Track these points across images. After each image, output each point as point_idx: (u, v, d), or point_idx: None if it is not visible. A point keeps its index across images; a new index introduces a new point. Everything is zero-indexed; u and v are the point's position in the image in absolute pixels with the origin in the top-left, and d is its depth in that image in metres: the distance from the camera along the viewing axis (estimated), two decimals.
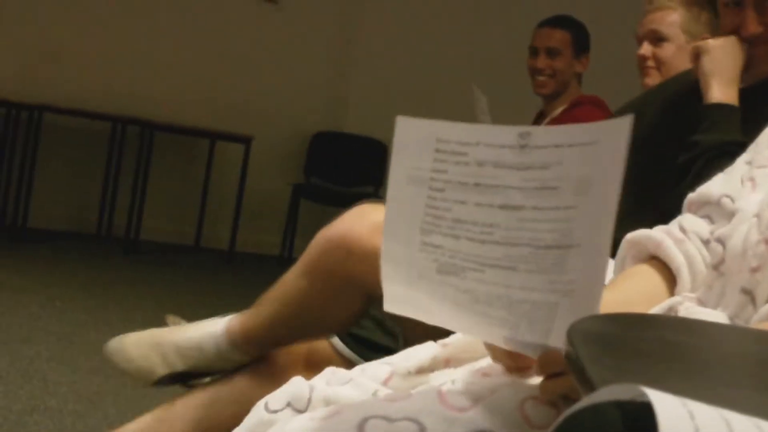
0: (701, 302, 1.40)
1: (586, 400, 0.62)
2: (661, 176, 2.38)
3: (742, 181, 1.50)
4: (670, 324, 1.02)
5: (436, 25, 7.82)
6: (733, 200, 1.48)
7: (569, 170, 1.04)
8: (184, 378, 2.44)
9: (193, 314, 3.46)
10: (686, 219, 1.54)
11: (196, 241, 7.52)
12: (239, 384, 2.41)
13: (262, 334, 2.35)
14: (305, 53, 7.81)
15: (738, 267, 1.34)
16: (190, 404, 2.42)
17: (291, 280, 2.31)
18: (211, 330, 2.40)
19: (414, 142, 1.15)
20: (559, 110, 4.37)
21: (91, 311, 4.74)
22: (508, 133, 1.06)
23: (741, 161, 1.56)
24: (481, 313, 1.15)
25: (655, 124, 2.58)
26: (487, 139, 1.09)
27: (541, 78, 4.40)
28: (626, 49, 4.00)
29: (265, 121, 7.64)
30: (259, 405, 1.36)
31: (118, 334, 4.28)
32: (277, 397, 1.35)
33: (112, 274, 5.97)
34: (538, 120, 4.52)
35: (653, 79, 3.40)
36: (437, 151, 1.12)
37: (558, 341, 1.07)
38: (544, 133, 1.06)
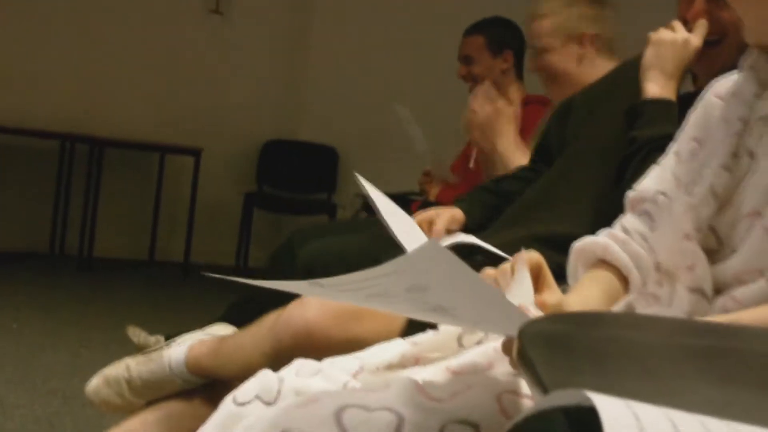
0: (656, 297, 1.42)
1: (532, 409, 0.62)
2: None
3: (674, 177, 1.52)
4: (620, 321, 1.03)
5: (387, 29, 7.83)
6: (667, 196, 1.50)
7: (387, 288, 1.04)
8: None
9: (152, 329, 3.44)
10: (627, 219, 1.57)
11: (151, 255, 7.49)
12: (198, 399, 2.42)
13: (224, 381, 2.40)
14: (254, 63, 7.80)
15: (675, 266, 1.36)
16: (149, 420, 2.43)
17: (258, 359, 2.31)
18: (172, 361, 2.44)
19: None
20: None
21: (48, 332, 4.71)
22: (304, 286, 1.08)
23: (671, 152, 1.58)
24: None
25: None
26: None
27: (469, 85, 4.42)
28: None
29: (216, 131, 7.62)
30: (227, 399, 1.33)
31: (76, 353, 4.27)
32: (245, 389, 1.33)
33: (67, 293, 5.93)
34: None
35: (557, 91, 3.45)
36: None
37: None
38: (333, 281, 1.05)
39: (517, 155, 3.35)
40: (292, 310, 2.21)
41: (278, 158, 7.85)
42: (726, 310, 1.28)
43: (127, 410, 2.51)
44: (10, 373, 3.89)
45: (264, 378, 1.34)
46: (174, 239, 7.44)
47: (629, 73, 2.64)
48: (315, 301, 2.18)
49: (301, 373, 1.35)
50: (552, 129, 2.90)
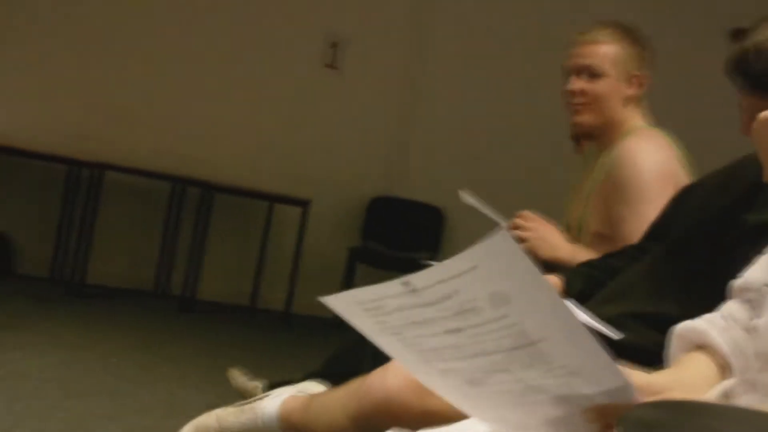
0: (753, 384, 1.40)
1: None
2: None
3: None
4: (718, 412, 1.02)
5: (497, 91, 7.85)
6: None
7: (470, 294, 1.03)
8: None
9: (248, 375, 3.51)
10: (729, 306, 1.55)
11: (252, 301, 7.56)
12: None
13: None
14: (365, 119, 7.88)
15: None
16: None
17: (342, 420, 2.33)
18: (265, 415, 2.48)
19: (348, 311, 1.15)
20: None
21: (147, 369, 4.78)
22: (393, 287, 1.07)
23: None
24: (531, 402, 1.15)
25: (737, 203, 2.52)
26: (383, 294, 1.09)
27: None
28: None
29: (324, 184, 7.70)
30: None
31: (173, 392, 4.32)
32: None
33: (168, 332, 6.01)
34: None
35: (585, 117, 3.33)
36: (366, 310, 1.13)
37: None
38: (422, 277, 1.05)
39: (579, 253, 3.26)
40: (374, 377, 2.24)
41: (384, 215, 7.90)
42: None
43: None
44: (106, 408, 3.95)
45: None
46: (276, 287, 7.50)
47: (747, 170, 2.57)
48: (397, 370, 2.19)
49: None
50: (669, 211, 2.81)
